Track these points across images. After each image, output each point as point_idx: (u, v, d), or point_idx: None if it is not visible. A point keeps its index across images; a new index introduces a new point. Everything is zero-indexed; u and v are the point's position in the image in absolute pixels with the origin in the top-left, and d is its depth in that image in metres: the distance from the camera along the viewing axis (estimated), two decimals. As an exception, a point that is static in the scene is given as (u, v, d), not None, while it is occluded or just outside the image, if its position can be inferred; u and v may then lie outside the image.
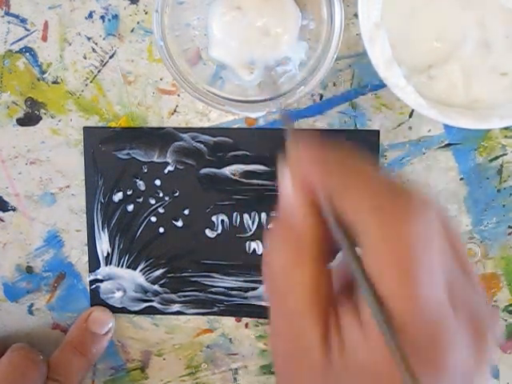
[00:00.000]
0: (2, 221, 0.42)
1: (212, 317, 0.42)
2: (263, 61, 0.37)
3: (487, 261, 0.41)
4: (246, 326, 0.43)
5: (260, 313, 0.42)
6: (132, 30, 0.39)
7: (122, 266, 0.42)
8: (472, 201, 0.40)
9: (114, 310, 0.42)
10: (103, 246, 0.42)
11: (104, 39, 0.39)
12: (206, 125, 0.40)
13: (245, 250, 0.41)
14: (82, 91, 0.40)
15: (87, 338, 0.41)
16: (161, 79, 0.40)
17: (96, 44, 0.39)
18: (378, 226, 0.20)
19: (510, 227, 0.41)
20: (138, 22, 0.39)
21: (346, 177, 0.22)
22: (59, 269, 0.42)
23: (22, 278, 0.43)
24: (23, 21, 0.39)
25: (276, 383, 0.24)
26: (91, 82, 0.40)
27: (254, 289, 0.42)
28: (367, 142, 0.40)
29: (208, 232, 0.41)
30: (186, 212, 0.41)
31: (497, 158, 0.40)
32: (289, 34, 0.36)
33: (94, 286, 0.42)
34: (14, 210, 0.42)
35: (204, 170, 0.41)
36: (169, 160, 0.40)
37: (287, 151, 0.23)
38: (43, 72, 0.40)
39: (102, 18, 0.39)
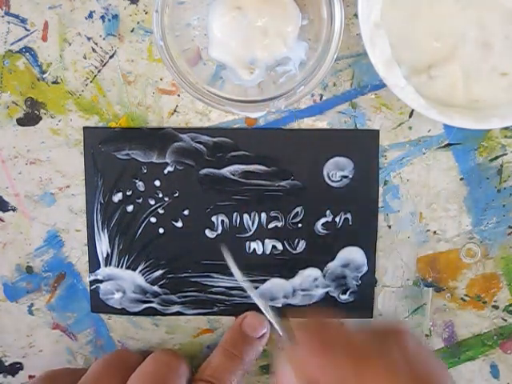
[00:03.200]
0: (2, 221, 0.42)
1: (212, 317, 0.42)
2: (263, 61, 0.37)
3: (487, 261, 0.41)
4: (246, 326, 0.43)
5: (260, 312, 0.42)
6: (132, 30, 0.39)
7: (122, 266, 0.42)
8: (472, 201, 0.40)
9: (113, 311, 0.42)
10: (103, 246, 0.42)
11: (104, 39, 0.39)
12: (206, 125, 0.40)
13: (245, 250, 0.41)
14: (82, 91, 0.40)
15: (240, 339, 0.40)
16: (161, 79, 0.40)
17: (96, 44, 0.39)
18: None
19: (510, 227, 0.41)
20: (138, 22, 0.39)
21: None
22: (59, 269, 0.42)
23: (22, 278, 0.43)
24: (23, 21, 0.39)
25: None
26: (91, 81, 0.40)
27: (254, 288, 0.42)
28: (367, 142, 0.40)
29: (208, 232, 0.41)
30: (186, 212, 0.41)
31: (497, 157, 0.40)
32: (289, 34, 0.36)
33: (93, 287, 0.42)
34: (13, 210, 0.42)
35: (204, 171, 0.41)
36: (168, 160, 0.40)
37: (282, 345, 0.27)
38: (43, 72, 0.40)
39: (102, 18, 0.39)
